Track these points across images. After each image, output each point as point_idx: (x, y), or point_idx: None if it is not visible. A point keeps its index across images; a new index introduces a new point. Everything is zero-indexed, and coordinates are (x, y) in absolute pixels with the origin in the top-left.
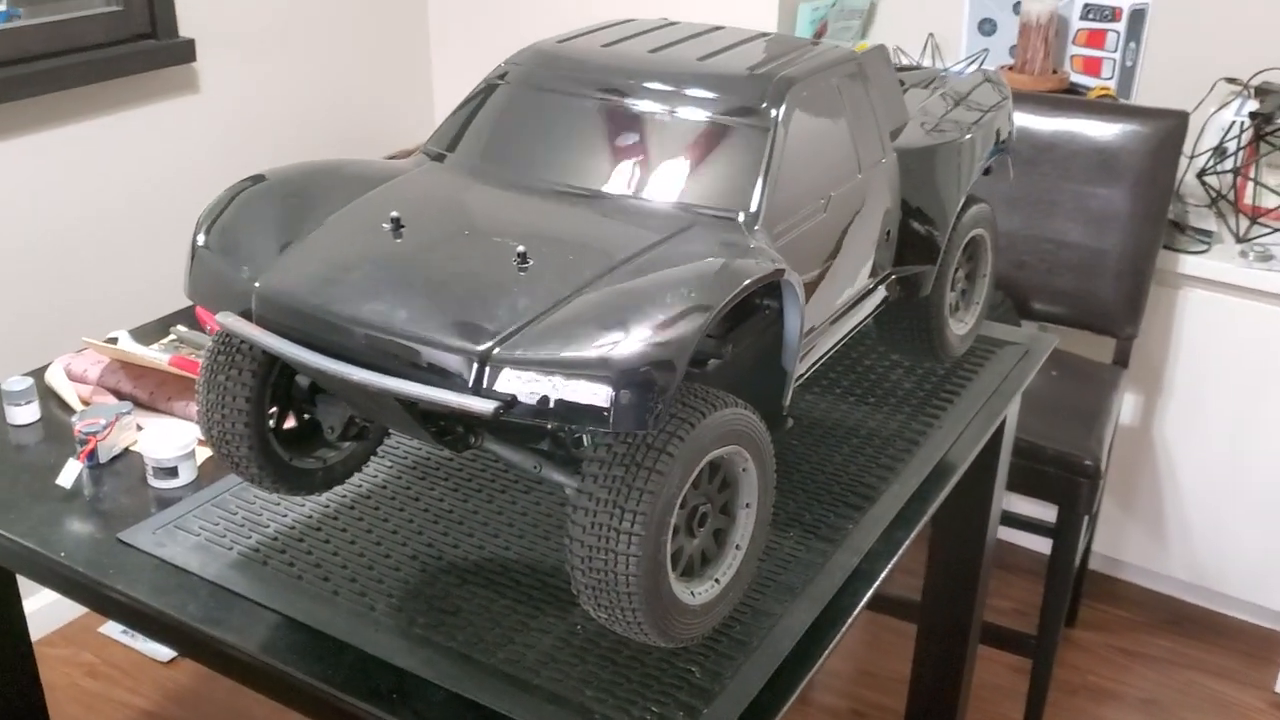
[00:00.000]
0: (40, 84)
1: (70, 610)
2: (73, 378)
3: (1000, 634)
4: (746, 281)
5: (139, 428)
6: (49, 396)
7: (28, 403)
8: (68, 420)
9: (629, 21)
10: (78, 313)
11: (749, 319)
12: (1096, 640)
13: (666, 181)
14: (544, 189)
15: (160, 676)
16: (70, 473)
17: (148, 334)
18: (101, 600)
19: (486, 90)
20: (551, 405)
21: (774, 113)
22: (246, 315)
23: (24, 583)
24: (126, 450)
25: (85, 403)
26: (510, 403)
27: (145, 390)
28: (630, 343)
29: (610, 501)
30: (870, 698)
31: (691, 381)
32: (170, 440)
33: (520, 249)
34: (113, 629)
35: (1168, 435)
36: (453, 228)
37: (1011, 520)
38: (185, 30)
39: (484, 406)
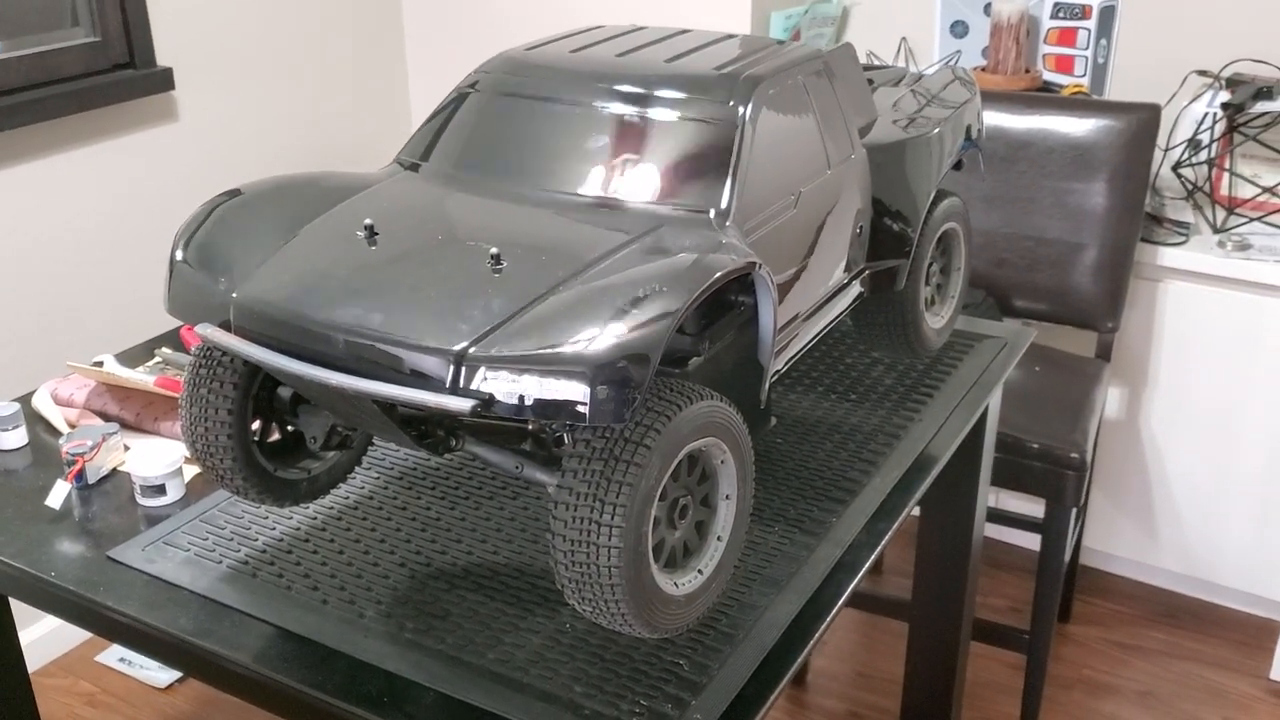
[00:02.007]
0: (21, 115)
1: (67, 640)
2: (59, 402)
3: (995, 631)
4: (718, 274)
5: (126, 448)
6: (36, 421)
7: (14, 428)
8: (55, 444)
9: (597, 28)
10: (63, 339)
11: (725, 316)
12: (1091, 635)
13: (638, 182)
14: (517, 194)
15: (159, 703)
16: (59, 494)
17: (133, 357)
18: (93, 618)
19: (458, 99)
20: (529, 402)
21: (741, 111)
22: (226, 326)
23: (20, 614)
24: (114, 470)
25: (72, 426)
26: (488, 401)
27: (132, 412)
28: (605, 337)
29: (590, 495)
30: (867, 699)
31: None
32: (158, 458)
33: (494, 251)
34: (110, 657)
35: (1154, 427)
36: (426, 233)
37: (1002, 518)
38: (163, 59)
39: (461, 405)
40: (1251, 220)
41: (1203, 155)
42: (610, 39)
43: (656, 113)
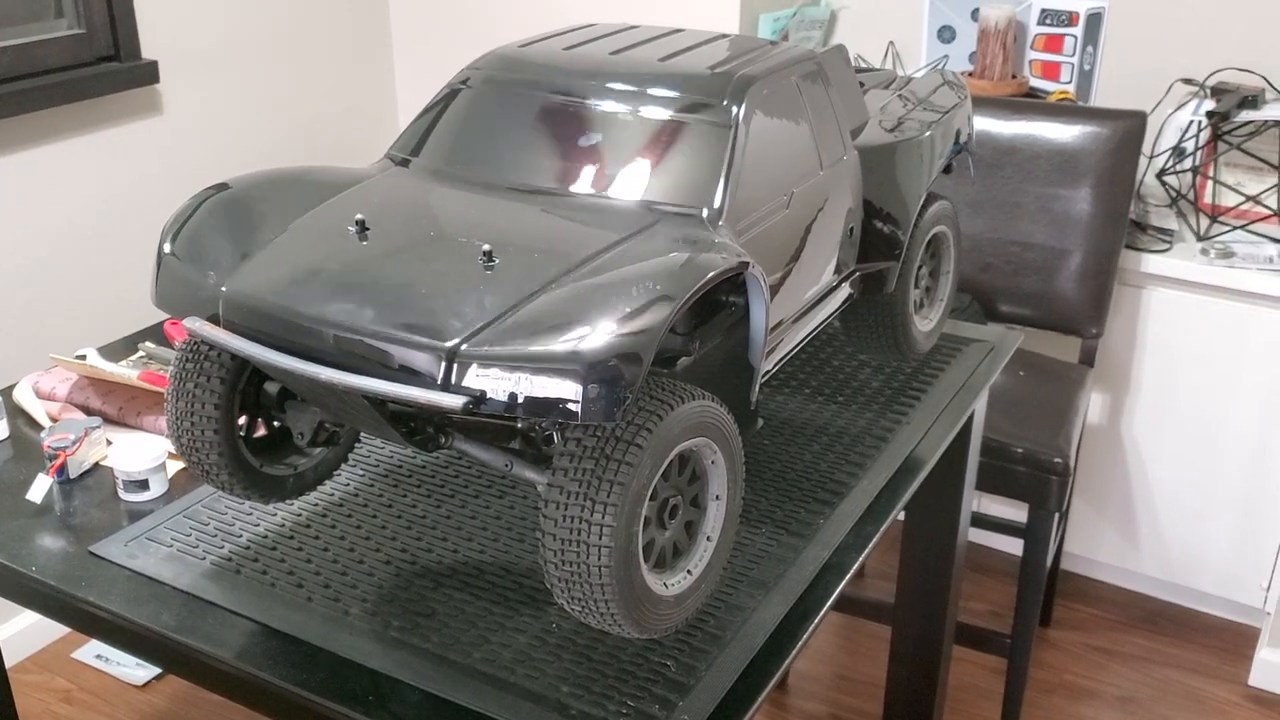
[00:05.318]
0: (3, 107)
1: (43, 636)
2: (41, 395)
3: (976, 635)
4: (711, 274)
5: (109, 442)
6: (17, 414)
7: None
8: (36, 438)
9: (590, 26)
10: (45, 331)
11: (716, 316)
12: (1072, 639)
13: (631, 180)
14: (509, 190)
15: (135, 701)
16: (40, 488)
17: (116, 351)
18: (74, 614)
19: (450, 95)
20: (520, 399)
21: (735, 110)
22: (214, 320)
23: None
24: (97, 465)
25: (54, 419)
26: (479, 398)
27: (114, 406)
28: (597, 336)
29: (581, 494)
30: (847, 702)
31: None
32: (141, 453)
33: (486, 248)
34: (86, 654)
35: (1136, 433)
36: (418, 229)
37: (984, 522)
38: (148, 52)
39: (453, 402)
40: (1235, 228)
41: (1187, 163)
42: (604, 37)
43: (650, 111)
